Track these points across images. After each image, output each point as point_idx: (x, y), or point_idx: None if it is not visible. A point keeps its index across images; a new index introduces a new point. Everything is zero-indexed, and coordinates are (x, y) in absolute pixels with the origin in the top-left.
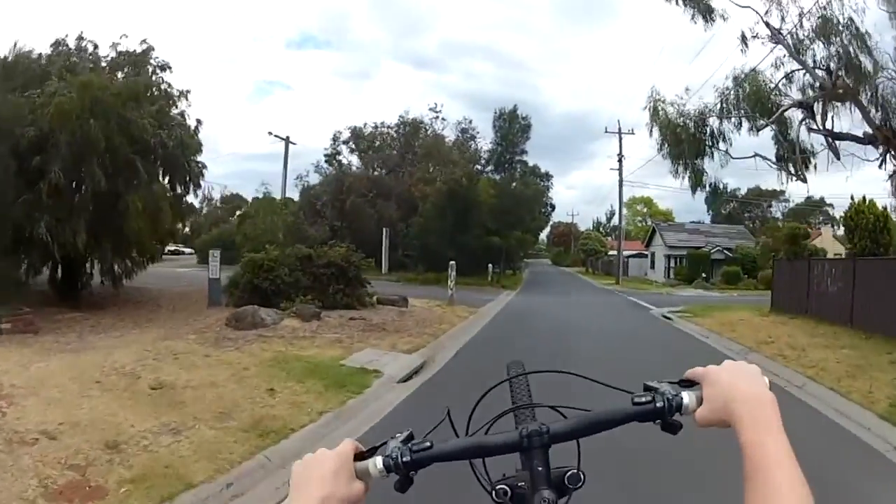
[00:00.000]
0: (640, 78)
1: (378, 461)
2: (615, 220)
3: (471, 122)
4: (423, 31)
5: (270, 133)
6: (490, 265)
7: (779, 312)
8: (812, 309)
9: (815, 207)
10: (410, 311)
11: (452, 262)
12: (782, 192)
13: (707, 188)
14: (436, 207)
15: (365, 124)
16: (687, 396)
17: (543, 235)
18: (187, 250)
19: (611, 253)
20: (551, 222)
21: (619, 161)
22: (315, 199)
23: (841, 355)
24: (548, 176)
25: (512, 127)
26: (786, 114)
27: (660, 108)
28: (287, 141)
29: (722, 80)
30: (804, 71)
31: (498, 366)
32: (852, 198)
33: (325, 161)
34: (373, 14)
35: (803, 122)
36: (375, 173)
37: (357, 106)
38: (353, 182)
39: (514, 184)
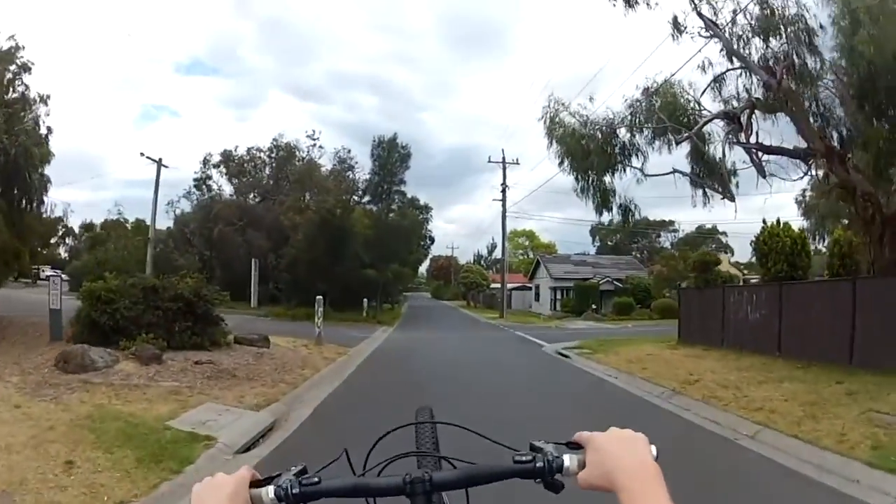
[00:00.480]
0: (525, 113)
1: (270, 490)
2: (497, 253)
3: (349, 151)
4: (309, 61)
5: (143, 154)
6: (366, 300)
7: (689, 345)
8: (729, 340)
9: (706, 236)
10: (271, 352)
11: (320, 297)
12: (671, 223)
13: (615, 209)
14: (307, 238)
15: (236, 147)
16: (568, 459)
17: (423, 269)
18: (66, 276)
19: (493, 286)
20: (430, 255)
21: (503, 191)
22: (185, 227)
23: (785, 391)
24: (427, 208)
25: (391, 156)
26: (705, 128)
27: (561, 116)
28: (159, 164)
29: (633, 89)
30: (740, 71)
31: (365, 425)
32: (764, 221)
33: (195, 186)
34: (261, 41)
35: (729, 136)
36: (248, 201)
37: (242, 134)
38: (222, 209)
39: (391, 215)
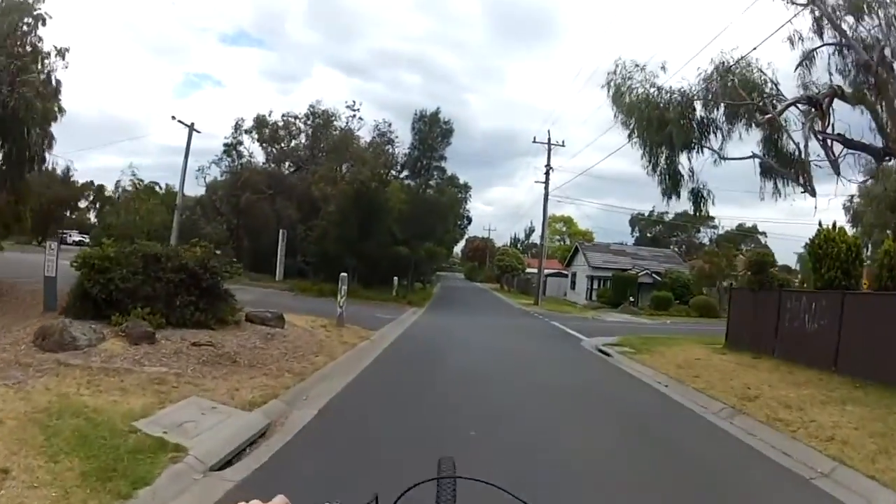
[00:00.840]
0: (568, 101)
1: None
2: (535, 237)
3: (390, 125)
4: (356, 38)
5: (174, 118)
6: (396, 278)
7: (737, 350)
8: (782, 349)
9: (746, 234)
10: (284, 333)
11: (344, 274)
12: (712, 218)
13: (684, 194)
14: (339, 210)
15: (270, 113)
16: None
17: (458, 249)
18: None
19: (528, 271)
20: (466, 236)
21: (546, 173)
22: (213, 195)
23: (851, 417)
24: (466, 187)
25: (432, 131)
26: (784, 114)
27: (630, 84)
28: (191, 128)
29: (700, 66)
30: (833, 49)
31: (381, 440)
32: (820, 224)
33: (225, 152)
34: (308, 16)
35: (808, 124)
36: (281, 170)
37: (284, 107)
38: (250, 176)
39: (428, 191)
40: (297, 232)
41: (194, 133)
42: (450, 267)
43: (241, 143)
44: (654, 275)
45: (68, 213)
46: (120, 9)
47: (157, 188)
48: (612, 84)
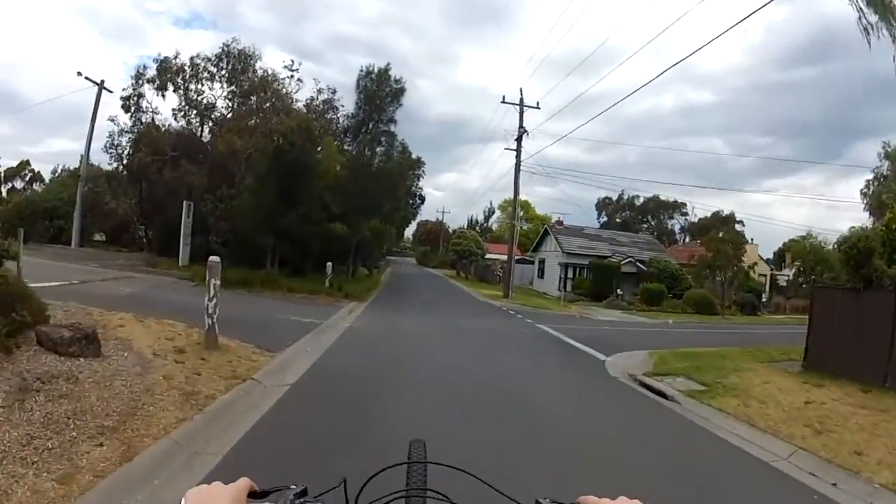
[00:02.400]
0: (524, 90)
1: None
2: (494, 220)
3: (334, 91)
4: (310, 21)
5: (80, 74)
6: (330, 264)
7: (830, 375)
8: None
9: (721, 223)
10: (80, 371)
11: (215, 258)
12: (682, 205)
13: None
14: (254, 174)
15: (177, 55)
16: None
17: (409, 233)
18: None
19: (488, 257)
20: (418, 219)
21: (519, 138)
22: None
23: None
24: (419, 162)
25: (381, 89)
26: None
27: None
28: (100, 86)
29: None
30: None
31: None
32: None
33: (123, 107)
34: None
35: None
36: (191, 129)
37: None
38: (150, 136)
39: (374, 157)
40: (208, 204)
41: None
42: (401, 251)
43: (142, 95)
44: (638, 263)
45: None
46: None
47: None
48: None
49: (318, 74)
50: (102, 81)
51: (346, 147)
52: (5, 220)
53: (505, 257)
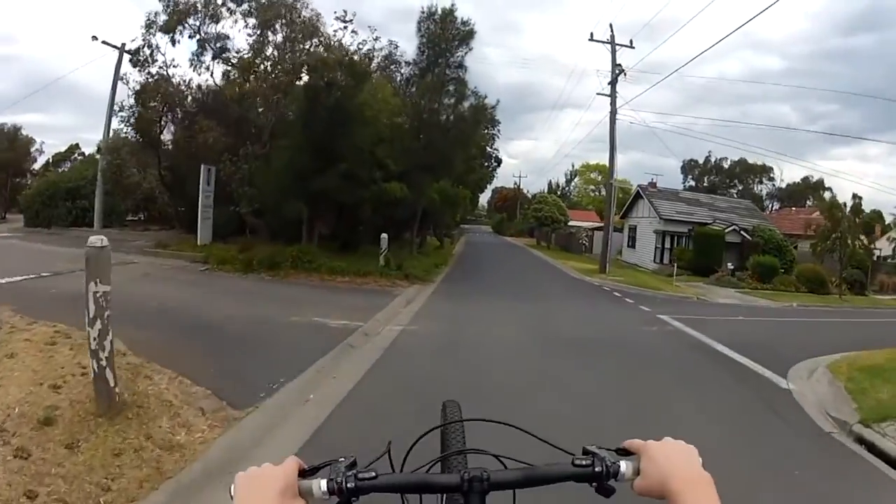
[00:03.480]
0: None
1: (322, 483)
2: (573, 187)
3: (396, 46)
4: None
5: (95, 38)
6: (385, 236)
7: None
8: None
9: (811, 190)
10: None
11: (95, 239)
12: (769, 169)
13: None
14: (286, 127)
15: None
16: (624, 465)
17: (484, 201)
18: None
19: (571, 224)
20: (494, 185)
21: (612, 82)
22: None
23: None
24: (493, 121)
25: (445, 31)
26: None
27: None
28: (122, 50)
29: None
30: None
31: None
32: None
33: (131, 62)
34: None
35: None
36: (214, 83)
37: None
38: (165, 91)
39: (441, 105)
40: (224, 165)
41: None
42: (476, 219)
43: (153, 46)
44: (742, 232)
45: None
46: None
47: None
48: None
49: (378, 47)
50: (123, 45)
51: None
52: (27, 206)
53: (588, 224)
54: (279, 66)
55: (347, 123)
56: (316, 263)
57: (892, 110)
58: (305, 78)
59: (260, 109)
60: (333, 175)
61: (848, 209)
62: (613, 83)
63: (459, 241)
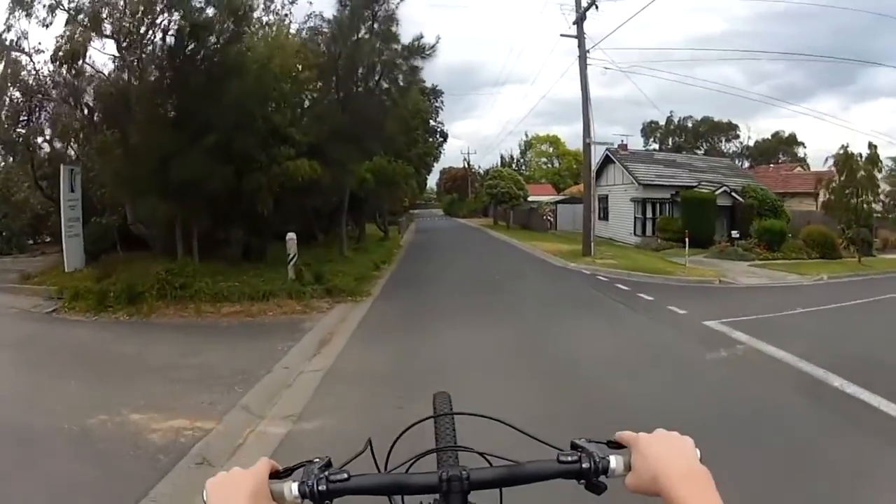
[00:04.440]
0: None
1: (293, 487)
2: (530, 158)
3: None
4: None
5: None
6: (292, 236)
7: None
8: None
9: (784, 145)
10: None
11: None
12: (735, 126)
13: None
14: (137, 93)
15: None
16: (614, 460)
17: (433, 183)
18: None
19: (531, 198)
20: (441, 167)
21: (579, 21)
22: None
23: None
24: (436, 92)
25: None
26: None
27: None
28: None
29: None
30: None
31: None
32: None
33: None
34: None
35: None
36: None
37: None
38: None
39: (363, 51)
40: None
41: None
42: (425, 203)
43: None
44: (733, 193)
45: None
46: None
47: None
48: None
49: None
50: None
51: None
52: None
53: (548, 198)
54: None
55: (223, 79)
56: (193, 289)
57: (838, 67)
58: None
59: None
60: (197, 154)
61: (862, 160)
62: (580, 21)
63: (408, 228)
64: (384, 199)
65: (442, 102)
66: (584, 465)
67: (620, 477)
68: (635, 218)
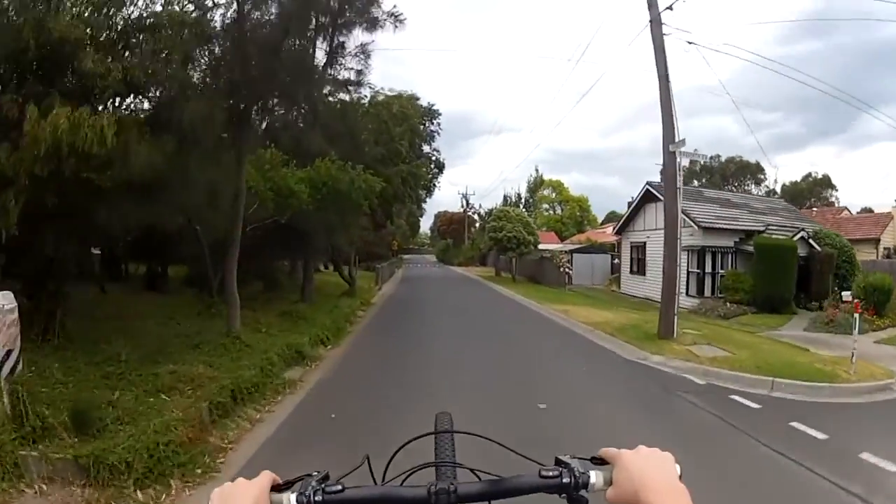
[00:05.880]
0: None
1: (292, 498)
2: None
3: None
4: None
5: None
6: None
7: None
8: None
9: (817, 186)
10: None
11: None
12: (761, 169)
13: None
14: None
15: None
16: (595, 475)
17: (427, 227)
18: None
19: (541, 247)
20: (434, 211)
21: None
22: None
23: None
24: (431, 112)
25: None
26: None
27: None
28: None
29: None
30: None
31: None
32: None
33: None
34: None
35: None
36: None
37: None
38: None
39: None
40: None
41: None
42: (418, 248)
43: None
44: (811, 241)
45: None
46: None
47: None
48: None
49: None
50: None
51: None
52: None
53: (555, 247)
54: None
55: None
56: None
57: (834, 115)
58: None
59: None
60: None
61: None
62: None
63: (392, 277)
64: (337, 229)
65: (439, 125)
66: (564, 480)
67: (601, 491)
68: (689, 273)
